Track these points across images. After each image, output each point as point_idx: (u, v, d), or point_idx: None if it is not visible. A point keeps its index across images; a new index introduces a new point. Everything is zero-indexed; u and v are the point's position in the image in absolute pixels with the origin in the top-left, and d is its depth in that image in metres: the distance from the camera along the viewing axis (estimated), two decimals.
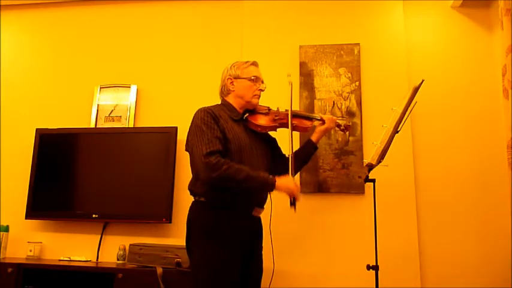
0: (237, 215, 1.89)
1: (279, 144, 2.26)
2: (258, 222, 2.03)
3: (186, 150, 1.98)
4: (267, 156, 2.09)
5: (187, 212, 1.95)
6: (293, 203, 1.89)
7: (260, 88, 2.08)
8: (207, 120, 1.89)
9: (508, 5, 2.23)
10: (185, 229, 1.93)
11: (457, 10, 2.95)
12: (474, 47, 2.88)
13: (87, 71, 3.28)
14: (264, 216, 2.08)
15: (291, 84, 2.17)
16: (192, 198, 1.96)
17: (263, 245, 2.09)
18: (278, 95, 2.34)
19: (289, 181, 1.90)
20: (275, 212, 2.15)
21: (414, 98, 2.08)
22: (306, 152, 2.22)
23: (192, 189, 1.95)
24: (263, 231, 2.08)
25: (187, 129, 1.97)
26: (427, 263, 2.62)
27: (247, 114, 2.08)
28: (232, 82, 2.06)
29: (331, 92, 2.85)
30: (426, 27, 2.97)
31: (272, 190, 1.89)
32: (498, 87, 2.62)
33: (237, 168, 1.81)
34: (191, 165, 1.96)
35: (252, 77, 2.05)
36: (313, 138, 2.22)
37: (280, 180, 1.87)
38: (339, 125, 2.29)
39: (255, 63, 2.11)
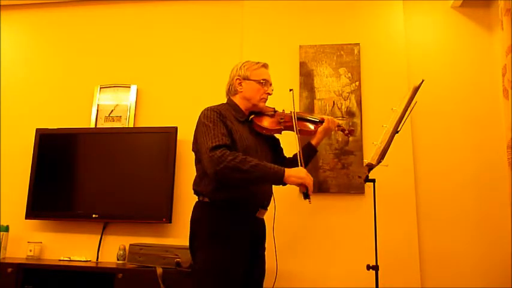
0: (242, 216, 1.88)
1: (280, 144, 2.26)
2: (261, 223, 2.03)
3: (193, 150, 1.97)
4: (270, 158, 2.08)
5: (187, 212, 1.95)
6: (307, 195, 1.79)
7: (268, 92, 2.05)
8: (214, 118, 1.86)
9: (508, 5, 2.23)
10: (186, 229, 1.92)
11: (457, 10, 2.95)
12: (474, 47, 2.88)
13: (87, 71, 3.28)
14: (267, 217, 2.07)
15: (293, 100, 2.16)
16: (193, 198, 1.96)
17: (266, 245, 2.08)
18: (278, 95, 2.33)
19: (301, 170, 1.82)
20: (276, 212, 2.16)
21: (414, 98, 2.07)
22: (305, 155, 2.14)
23: (196, 188, 1.93)
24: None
25: (188, 129, 1.97)
26: (427, 263, 2.62)
27: (252, 116, 2.07)
28: (240, 83, 2.03)
29: (331, 92, 2.85)
30: (426, 27, 2.97)
31: (281, 181, 1.79)
32: (498, 87, 2.63)
33: (243, 158, 1.75)
34: (196, 165, 1.95)
35: (262, 80, 2.03)
36: (313, 141, 2.18)
37: (290, 170, 1.79)
38: (343, 129, 2.28)
39: (265, 65, 2.08)
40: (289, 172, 1.79)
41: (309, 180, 1.81)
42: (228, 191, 1.85)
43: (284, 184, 1.85)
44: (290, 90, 2.17)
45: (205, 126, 1.84)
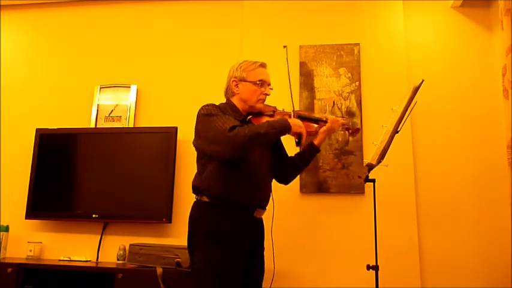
0: (240, 216, 1.88)
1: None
2: (259, 223, 2.02)
3: (194, 144, 1.96)
4: (269, 157, 2.07)
5: (187, 212, 1.95)
6: (299, 142, 1.96)
7: (266, 92, 2.02)
8: (215, 110, 1.88)
9: (508, 5, 2.23)
10: (186, 229, 1.92)
11: (457, 10, 2.95)
12: (474, 47, 2.88)
13: (87, 71, 3.28)
14: (265, 217, 2.07)
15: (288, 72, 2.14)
16: (193, 198, 1.96)
17: (264, 245, 2.08)
18: (278, 95, 2.33)
19: (298, 121, 1.97)
20: (276, 213, 2.15)
21: (414, 98, 2.07)
22: (307, 155, 2.15)
23: (196, 184, 1.93)
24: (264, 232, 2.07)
25: (188, 129, 1.96)
26: (427, 263, 2.62)
27: (250, 116, 2.05)
28: (236, 84, 2.00)
29: (331, 92, 2.85)
30: (426, 27, 2.97)
31: (288, 130, 1.90)
32: (498, 87, 2.62)
33: (256, 125, 1.87)
34: (197, 160, 1.95)
35: (258, 81, 1.99)
36: (315, 141, 2.14)
37: (291, 120, 1.92)
38: (348, 128, 2.24)
39: (263, 65, 2.04)
40: (291, 121, 1.91)
41: (304, 128, 1.96)
42: (226, 186, 1.86)
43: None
44: (284, 46, 2.15)
45: (212, 116, 1.85)
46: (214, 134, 1.81)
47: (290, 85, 2.09)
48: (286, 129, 1.88)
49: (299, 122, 1.95)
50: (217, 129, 1.80)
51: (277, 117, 2.07)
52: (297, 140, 1.96)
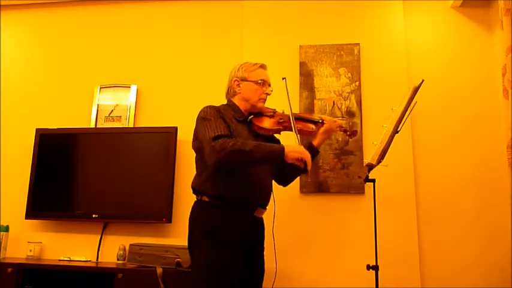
0: (239, 216, 1.89)
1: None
2: (260, 222, 2.02)
3: (193, 147, 1.98)
4: None
5: (187, 212, 1.95)
6: (305, 170, 1.83)
7: (266, 92, 2.06)
8: (213, 113, 1.90)
9: (508, 5, 2.23)
10: (186, 229, 1.93)
11: (457, 10, 2.95)
12: (474, 47, 2.88)
13: (87, 71, 3.28)
14: (266, 217, 2.07)
15: (287, 88, 2.13)
16: (193, 198, 1.96)
17: (265, 245, 2.08)
18: (278, 95, 2.33)
19: (299, 146, 1.86)
20: (276, 212, 2.16)
21: (414, 98, 2.08)
22: None
23: (195, 185, 1.94)
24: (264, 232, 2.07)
25: (188, 129, 1.97)
26: (427, 263, 2.62)
27: (251, 116, 2.07)
28: (238, 84, 2.04)
29: (331, 92, 2.85)
30: (426, 27, 2.97)
31: (282, 157, 1.81)
32: (498, 87, 2.63)
33: (244, 141, 1.81)
34: (196, 162, 1.97)
35: (259, 81, 2.04)
36: (315, 142, 2.13)
37: (290, 146, 1.83)
38: (345, 130, 2.23)
39: (263, 66, 2.09)
40: (288, 148, 1.82)
41: (307, 154, 1.83)
42: (226, 187, 1.87)
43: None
44: (283, 78, 2.15)
45: (206, 120, 1.88)
46: (203, 139, 1.84)
47: (291, 111, 2.08)
48: (276, 154, 1.81)
49: (300, 148, 1.84)
50: (205, 136, 1.83)
51: (277, 118, 2.09)
52: (302, 166, 1.83)
